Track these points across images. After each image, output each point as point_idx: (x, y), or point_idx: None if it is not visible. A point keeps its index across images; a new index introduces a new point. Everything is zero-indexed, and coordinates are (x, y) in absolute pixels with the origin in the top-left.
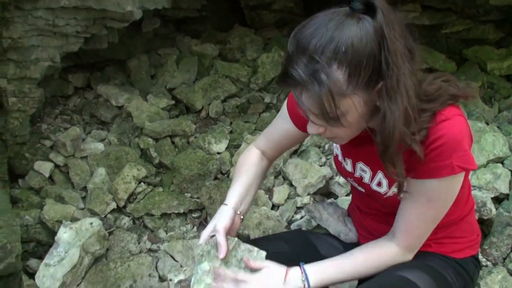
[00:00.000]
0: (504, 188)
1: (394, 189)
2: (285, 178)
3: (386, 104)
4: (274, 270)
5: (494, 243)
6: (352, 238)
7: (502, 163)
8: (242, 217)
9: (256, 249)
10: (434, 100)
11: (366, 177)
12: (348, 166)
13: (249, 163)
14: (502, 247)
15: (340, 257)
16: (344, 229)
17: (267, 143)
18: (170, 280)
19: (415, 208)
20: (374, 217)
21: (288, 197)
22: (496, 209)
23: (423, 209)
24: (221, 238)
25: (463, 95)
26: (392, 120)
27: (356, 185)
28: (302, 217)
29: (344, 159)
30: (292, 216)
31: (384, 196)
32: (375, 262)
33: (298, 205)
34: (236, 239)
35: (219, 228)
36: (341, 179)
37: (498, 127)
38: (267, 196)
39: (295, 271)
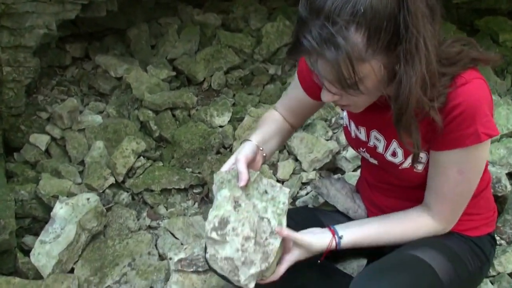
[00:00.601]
0: None
1: (410, 160)
2: (290, 153)
3: (403, 68)
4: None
5: (509, 221)
6: (361, 214)
7: None
8: (264, 154)
9: (278, 184)
10: (454, 63)
11: (380, 147)
12: (362, 135)
13: (272, 119)
14: None
15: (375, 225)
16: (353, 206)
17: (284, 110)
18: (170, 258)
19: (447, 181)
20: (385, 191)
21: (293, 173)
22: (511, 185)
23: (455, 182)
24: (241, 166)
25: (484, 58)
26: (409, 85)
27: (368, 156)
28: (307, 193)
29: (357, 128)
30: (297, 192)
31: (399, 167)
32: (411, 235)
33: (303, 181)
34: (258, 172)
35: (240, 157)
36: (348, 154)
37: None
38: (271, 171)
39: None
